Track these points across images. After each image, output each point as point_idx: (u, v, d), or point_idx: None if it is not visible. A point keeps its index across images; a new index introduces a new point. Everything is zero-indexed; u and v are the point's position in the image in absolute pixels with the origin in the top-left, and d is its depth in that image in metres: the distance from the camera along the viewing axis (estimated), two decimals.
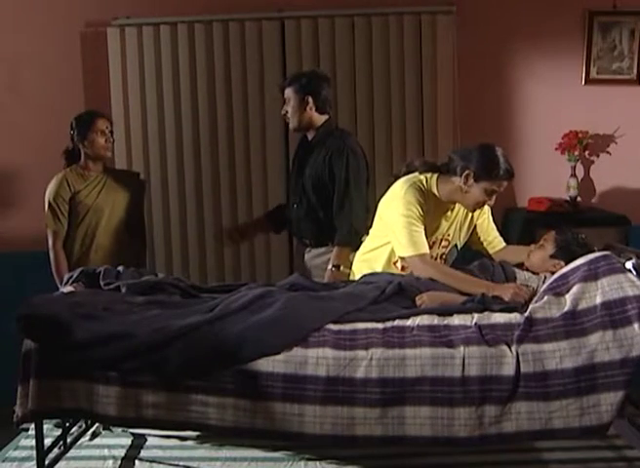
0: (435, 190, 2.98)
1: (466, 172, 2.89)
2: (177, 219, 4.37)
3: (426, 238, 2.92)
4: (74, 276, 2.90)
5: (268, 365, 2.34)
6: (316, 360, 2.34)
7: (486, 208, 3.12)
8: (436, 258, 3.06)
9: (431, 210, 2.96)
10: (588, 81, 4.40)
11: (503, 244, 3.21)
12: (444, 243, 3.10)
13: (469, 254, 3.22)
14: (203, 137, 4.32)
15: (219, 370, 2.34)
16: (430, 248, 2.96)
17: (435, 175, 3.00)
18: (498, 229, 3.24)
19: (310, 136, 3.41)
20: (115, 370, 2.38)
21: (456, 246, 3.16)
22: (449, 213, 3.06)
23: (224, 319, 2.46)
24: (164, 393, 2.37)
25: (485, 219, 3.18)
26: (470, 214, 3.12)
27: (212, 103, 4.29)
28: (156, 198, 4.36)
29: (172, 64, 4.26)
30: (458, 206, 3.05)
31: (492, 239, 3.20)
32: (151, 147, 4.33)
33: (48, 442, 2.73)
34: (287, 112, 3.39)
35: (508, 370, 2.31)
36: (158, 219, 4.38)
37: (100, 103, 4.18)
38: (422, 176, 3.00)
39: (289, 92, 3.36)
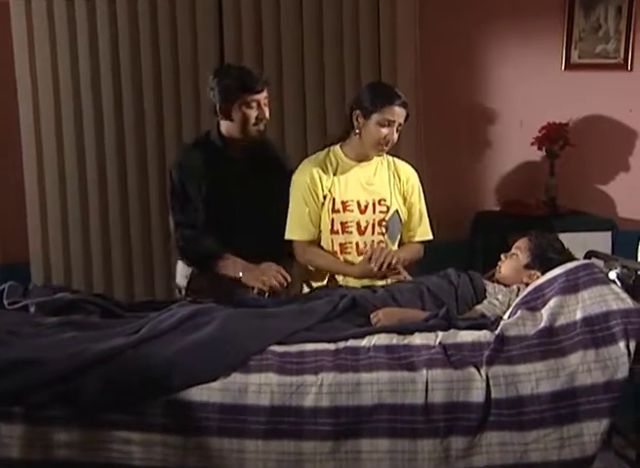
0: (343, 155, 3.27)
1: (355, 113, 3.17)
2: (97, 225, 4.36)
3: (358, 204, 3.21)
4: None
5: (202, 394, 2.33)
6: (258, 387, 2.34)
7: (416, 188, 3.33)
8: (374, 225, 3.24)
9: (349, 176, 3.25)
10: (569, 66, 4.48)
11: (419, 240, 3.37)
12: (381, 207, 3.25)
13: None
14: (127, 123, 4.32)
15: (144, 401, 2.32)
16: (363, 212, 3.21)
17: (339, 143, 3.30)
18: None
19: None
20: (20, 404, 2.33)
21: (398, 214, 3.28)
22: (372, 175, 3.28)
23: (151, 342, 2.44)
24: (79, 430, 2.33)
25: (414, 200, 3.34)
26: (397, 177, 3.31)
27: (137, 85, 4.29)
28: (73, 198, 4.34)
29: (89, 39, 4.25)
30: (378, 165, 3.30)
31: (412, 227, 3.36)
32: (66, 142, 4.33)
33: None
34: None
35: (477, 395, 2.33)
36: (76, 226, 4.36)
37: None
38: (325, 150, 3.31)
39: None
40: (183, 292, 3.42)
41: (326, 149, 3.33)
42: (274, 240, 3.30)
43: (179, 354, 2.38)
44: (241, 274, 3.06)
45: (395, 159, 3.37)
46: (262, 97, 3.17)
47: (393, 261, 3.09)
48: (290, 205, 3.27)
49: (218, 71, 3.24)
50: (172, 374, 2.34)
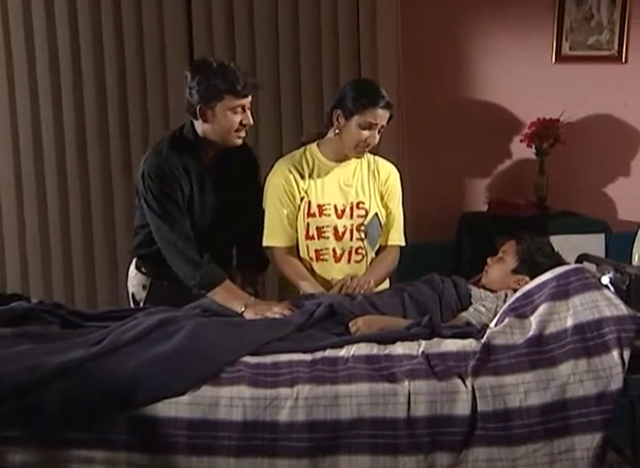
0: (320, 155, 3.26)
1: (335, 112, 3.16)
2: (57, 229, 4.35)
3: (335, 208, 3.21)
4: None
5: (170, 409, 2.33)
6: (230, 401, 2.34)
7: (394, 188, 3.33)
8: (353, 230, 3.24)
9: (326, 178, 3.25)
10: (560, 58, 4.51)
11: (391, 245, 3.36)
12: (359, 211, 3.25)
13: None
14: (89, 120, 4.30)
15: (107, 417, 2.32)
16: (341, 216, 3.22)
17: (316, 142, 3.31)
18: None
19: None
20: None
21: (378, 217, 3.28)
22: (350, 176, 3.28)
23: (115, 353, 2.44)
24: (36, 449, 2.31)
25: (391, 201, 3.33)
26: (376, 176, 3.31)
27: (100, 79, 4.27)
28: (30, 201, 4.32)
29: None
30: (357, 165, 3.29)
31: (385, 230, 3.34)
32: (22, 142, 4.31)
33: None
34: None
35: (463, 408, 2.34)
36: (33, 230, 4.35)
37: None
38: (301, 149, 3.31)
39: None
40: (142, 304, 3.36)
41: (302, 148, 3.33)
42: (251, 249, 3.32)
43: (144, 366, 2.38)
44: (243, 309, 2.93)
45: (377, 158, 3.37)
46: (248, 101, 3.10)
47: (366, 291, 3.09)
48: (266, 209, 3.25)
49: (198, 68, 3.10)
50: (137, 388, 2.33)
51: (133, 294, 3.42)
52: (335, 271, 3.24)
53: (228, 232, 3.29)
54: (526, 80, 4.47)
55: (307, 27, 4.24)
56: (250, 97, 3.11)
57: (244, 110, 3.09)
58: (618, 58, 4.54)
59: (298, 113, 4.32)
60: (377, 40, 4.23)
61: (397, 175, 3.38)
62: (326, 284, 3.21)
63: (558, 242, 3.07)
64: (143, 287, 3.37)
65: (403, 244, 3.38)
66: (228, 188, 3.26)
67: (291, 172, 3.23)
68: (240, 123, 3.09)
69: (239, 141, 3.15)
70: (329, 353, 2.52)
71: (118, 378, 2.35)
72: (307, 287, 3.14)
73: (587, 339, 2.45)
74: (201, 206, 3.19)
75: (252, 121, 3.14)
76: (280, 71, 4.29)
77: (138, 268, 3.39)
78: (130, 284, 3.44)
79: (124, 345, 2.48)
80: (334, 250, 3.25)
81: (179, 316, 2.73)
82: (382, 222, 3.32)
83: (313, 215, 3.23)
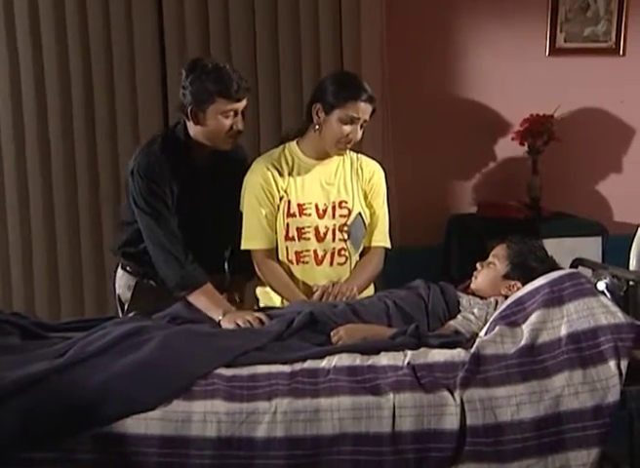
0: (300, 153, 3.28)
1: (315, 106, 3.16)
2: (17, 233, 4.35)
3: (316, 208, 3.22)
4: None
5: (139, 425, 2.31)
6: (203, 416, 2.33)
7: (379, 187, 3.34)
8: (335, 230, 3.25)
9: (306, 176, 3.26)
10: (554, 51, 4.54)
11: (375, 246, 3.36)
12: (342, 210, 3.26)
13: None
14: (52, 120, 4.30)
15: (71, 434, 2.30)
16: (322, 216, 3.24)
17: (296, 139, 3.32)
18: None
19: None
20: None
21: (361, 217, 3.28)
22: (332, 174, 3.29)
23: (79, 366, 2.43)
24: None
25: (375, 200, 3.34)
26: (359, 174, 3.32)
27: (64, 77, 4.27)
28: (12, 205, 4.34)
29: None
30: (340, 163, 3.30)
31: (369, 231, 3.34)
32: None
33: None
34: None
35: (451, 422, 2.34)
36: (15, 233, 4.36)
37: None
38: (280, 147, 3.32)
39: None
40: (127, 305, 3.39)
41: (281, 146, 3.33)
42: (241, 253, 3.32)
43: (111, 379, 2.36)
44: (221, 318, 2.97)
45: (360, 155, 3.38)
46: (241, 105, 3.13)
47: (349, 298, 3.09)
48: (244, 210, 3.26)
49: (193, 68, 3.14)
50: (103, 403, 2.32)
51: (119, 296, 3.45)
52: (317, 274, 3.25)
53: (218, 234, 3.31)
54: (518, 74, 4.50)
55: (286, 17, 4.25)
56: (244, 102, 3.13)
57: (236, 115, 3.12)
58: (615, 51, 4.57)
59: (276, 110, 4.33)
60: (360, 31, 4.25)
61: (382, 173, 3.38)
62: (307, 289, 3.21)
63: (552, 245, 3.08)
64: (129, 287, 3.40)
65: (388, 245, 3.39)
66: (219, 189, 3.28)
67: (269, 170, 3.23)
68: (231, 128, 3.12)
69: (229, 146, 3.20)
70: (309, 364, 2.51)
71: (83, 393, 2.34)
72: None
73: (582, 349, 2.45)
74: (191, 206, 3.22)
75: (242, 127, 3.17)
76: (258, 66, 4.31)
77: (123, 268, 3.42)
78: (117, 285, 3.47)
79: (89, 357, 2.47)
80: (315, 251, 3.25)
81: (149, 325, 2.72)
82: (366, 222, 3.32)
83: (293, 215, 3.23)
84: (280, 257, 3.26)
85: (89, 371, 2.40)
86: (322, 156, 3.27)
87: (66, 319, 3.41)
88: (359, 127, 3.15)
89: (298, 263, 3.25)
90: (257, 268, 3.28)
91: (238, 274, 3.47)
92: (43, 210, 4.35)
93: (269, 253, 3.25)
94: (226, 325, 2.92)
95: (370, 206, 3.33)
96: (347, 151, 3.30)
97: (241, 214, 3.27)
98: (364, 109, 3.12)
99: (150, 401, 2.35)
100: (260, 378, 2.45)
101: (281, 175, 3.24)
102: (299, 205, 3.23)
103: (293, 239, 3.24)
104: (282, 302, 3.26)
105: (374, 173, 3.35)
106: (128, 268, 3.40)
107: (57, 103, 4.29)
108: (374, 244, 3.36)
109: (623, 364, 2.41)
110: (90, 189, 4.35)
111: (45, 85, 4.27)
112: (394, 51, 4.32)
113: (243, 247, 3.26)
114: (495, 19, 4.45)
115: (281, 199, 3.23)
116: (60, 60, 4.25)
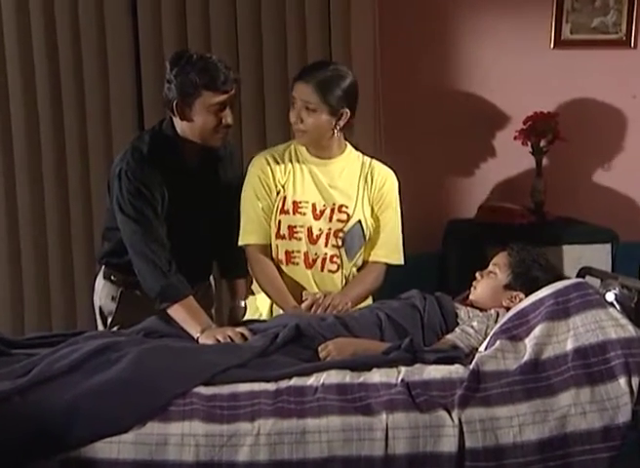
0: (305, 151, 3.30)
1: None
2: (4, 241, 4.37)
3: (312, 208, 3.24)
4: None
5: (112, 449, 2.31)
6: (181, 439, 2.33)
7: (390, 197, 3.35)
8: (329, 235, 3.25)
9: (307, 174, 3.29)
10: (559, 43, 4.55)
11: (374, 261, 3.35)
12: (340, 215, 3.26)
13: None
14: (16, 118, 4.32)
15: (37, 459, 2.29)
16: (318, 218, 3.25)
17: None
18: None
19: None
20: None
21: (361, 225, 3.28)
22: (337, 177, 3.29)
23: (45, 385, 2.43)
24: None
25: (386, 211, 3.34)
26: (369, 181, 3.32)
27: (28, 75, 4.28)
28: None
29: None
30: (347, 165, 3.31)
31: (380, 245, 3.34)
32: None
33: None
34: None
35: (449, 444, 2.35)
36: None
37: None
38: (287, 143, 3.38)
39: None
40: (110, 318, 3.38)
41: (288, 142, 3.39)
42: (235, 255, 3.36)
43: (80, 399, 2.36)
44: (198, 335, 2.96)
45: (374, 161, 3.37)
46: (229, 98, 3.14)
47: (340, 311, 3.09)
48: (241, 204, 3.30)
49: (177, 61, 3.15)
50: (72, 425, 2.32)
51: (100, 308, 3.43)
52: (307, 278, 3.26)
53: (209, 239, 3.34)
54: (521, 68, 4.51)
55: (270, 6, 4.25)
56: (232, 93, 3.14)
57: (224, 108, 3.13)
58: (626, 43, 4.58)
59: (260, 106, 4.33)
60: (350, 20, 4.24)
61: (395, 182, 3.37)
62: (296, 291, 3.22)
63: (557, 253, 3.10)
64: (112, 298, 3.39)
65: (396, 262, 3.36)
66: (211, 191, 3.31)
67: (269, 163, 3.27)
68: (220, 122, 3.13)
69: (219, 142, 3.21)
70: (295, 382, 2.51)
71: (49, 415, 2.33)
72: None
73: (590, 365, 2.46)
74: (181, 210, 3.22)
75: (231, 121, 3.17)
76: (240, 58, 4.32)
77: (106, 277, 3.40)
78: (97, 297, 3.45)
79: (56, 375, 2.47)
80: (306, 253, 3.26)
81: (121, 341, 2.72)
82: (366, 233, 3.32)
83: (286, 212, 3.24)
84: (271, 255, 3.28)
85: (56, 391, 2.40)
86: (326, 156, 3.28)
87: (31, 335, 3.41)
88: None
89: (287, 264, 3.26)
90: (248, 264, 3.33)
91: (235, 271, 3.52)
92: (32, 219, 4.39)
93: (263, 248, 3.27)
94: (205, 341, 2.91)
95: (376, 217, 3.33)
96: (359, 154, 3.32)
97: (238, 211, 3.29)
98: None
99: (122, 423, 2.35)
100: (241, 397, 2.45)
101: (281, 169, 3.27)
102: (294, 202, 3.24)
103: (283, 237, 3.25)
104: (270, 307, 3.29)
105: (385, 181, 3.35)
106: (112, 277, 3.38)
107: (22, 111, 4.33)
108: (374, 258, 3.35)
109: (635, 381, 2.42)
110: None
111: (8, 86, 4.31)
112: (387, 42, 4.32)
113: (240, 243, 3.29)
114: (495, 9, 4.45)
115: (278, 193, 3.25)
116: (25, 59, 4.28)
